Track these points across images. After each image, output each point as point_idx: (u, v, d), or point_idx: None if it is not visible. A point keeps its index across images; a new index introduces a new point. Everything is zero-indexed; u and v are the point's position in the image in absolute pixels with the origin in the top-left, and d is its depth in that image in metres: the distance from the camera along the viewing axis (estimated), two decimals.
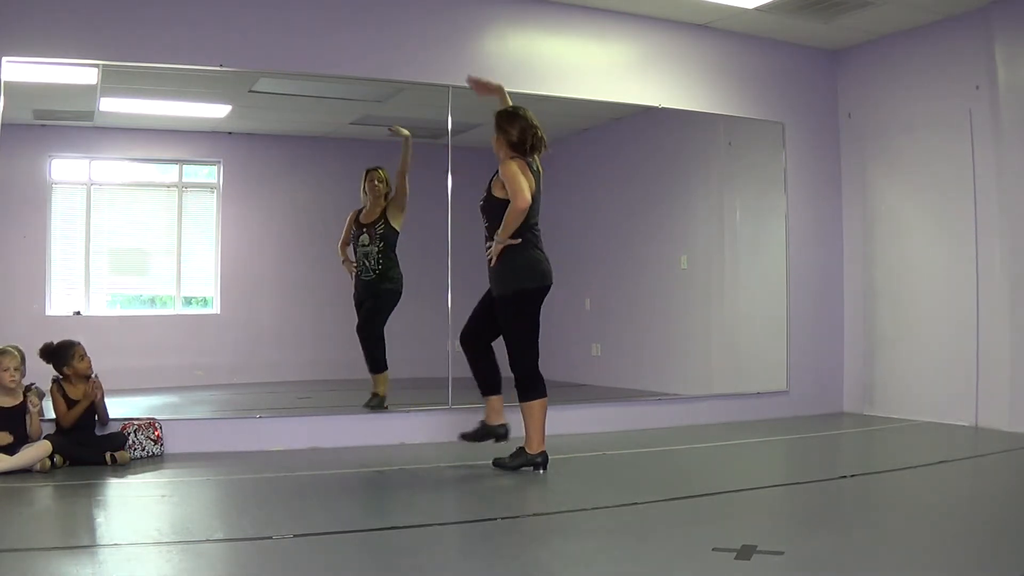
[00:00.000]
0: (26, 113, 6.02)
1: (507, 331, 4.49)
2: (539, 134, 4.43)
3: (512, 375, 4.49)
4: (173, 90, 5.97)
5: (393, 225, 5.86)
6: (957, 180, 6.22)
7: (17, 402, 4.55)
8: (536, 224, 4.47)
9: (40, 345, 4.74)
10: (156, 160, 7.02)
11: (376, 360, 5.78)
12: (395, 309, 5.86)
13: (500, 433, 4.59)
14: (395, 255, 5.88)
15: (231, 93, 6.24)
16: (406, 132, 5.90)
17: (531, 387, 4.44)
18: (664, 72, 6.46)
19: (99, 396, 4.76)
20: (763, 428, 6.16)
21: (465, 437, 4.61)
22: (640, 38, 6.39)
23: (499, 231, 4.35)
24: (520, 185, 4.30)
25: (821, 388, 6.91)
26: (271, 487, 4.27)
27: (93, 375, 4.78)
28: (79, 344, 4.79)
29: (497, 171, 4.43)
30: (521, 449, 4.48)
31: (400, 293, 5.87)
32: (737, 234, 7.12)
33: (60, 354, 4.75)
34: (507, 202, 4.33)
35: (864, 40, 6.81)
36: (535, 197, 4.39)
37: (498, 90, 4.80)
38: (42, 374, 4.71)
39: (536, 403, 4.44)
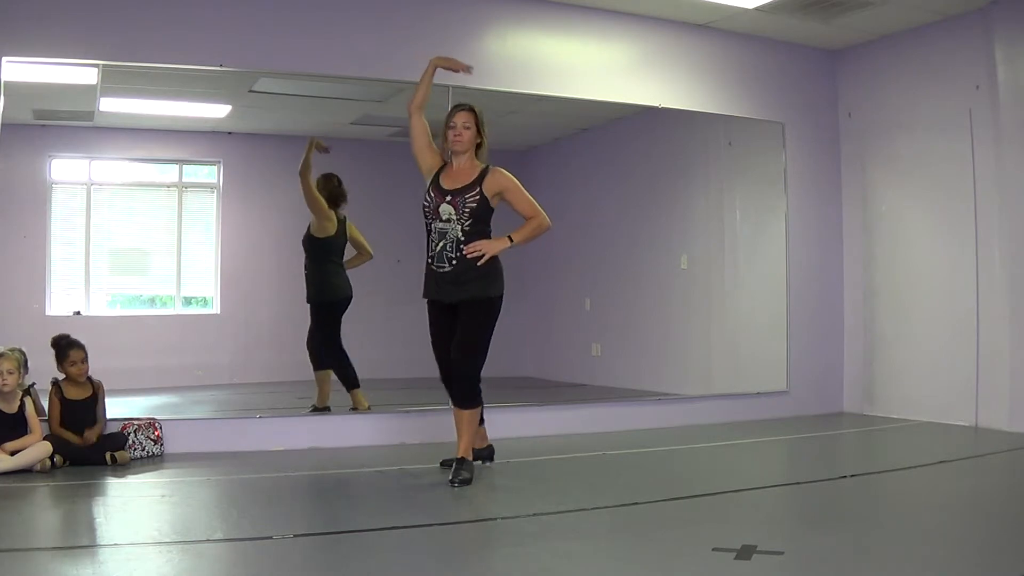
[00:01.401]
0: (26, 113, 6.02)
1: (476, 333, 4.29)
2: None
3: (458, 378, 4.32)
4: (173, 90, 5.96)
5: (310, 231, 5.80)
6: (957, 180, 6.21)
7: (14, 408, 4.51)
8: None
9: (49, 339, 4.75)
10: (156, 160, 7.01)
11: (347, 378, 5.67)
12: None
13: (485, 456, 4.60)
14: (321, 263, 5.78)
15: (231, 93, 6.23)
16: (320, 144, 5.76)
17: (473, 394, 4.33)
18: (664, 72, 6.46)
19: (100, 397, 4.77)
20: (763, 428, 6.16)
21: (447, 464, 4.45)
22: (640, 38, 6.39)
23: (516, 233, 4.31)
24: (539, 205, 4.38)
25: (821, 388, 6.91)
26: (271, 487, 4.27)
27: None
28: (80, 349, 4.76)
29: (483, 173, 4.36)
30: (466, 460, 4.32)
31: (325, 303, 5.76)
32: (737, 234, 7.12)
33: (59, 351, 4.75)
34: (492, 211, 4.35)
35: (864, 40, 6.80)
36: None
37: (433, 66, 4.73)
38: (44, 373, 4.71)
39: (470, 412, 4.32)
